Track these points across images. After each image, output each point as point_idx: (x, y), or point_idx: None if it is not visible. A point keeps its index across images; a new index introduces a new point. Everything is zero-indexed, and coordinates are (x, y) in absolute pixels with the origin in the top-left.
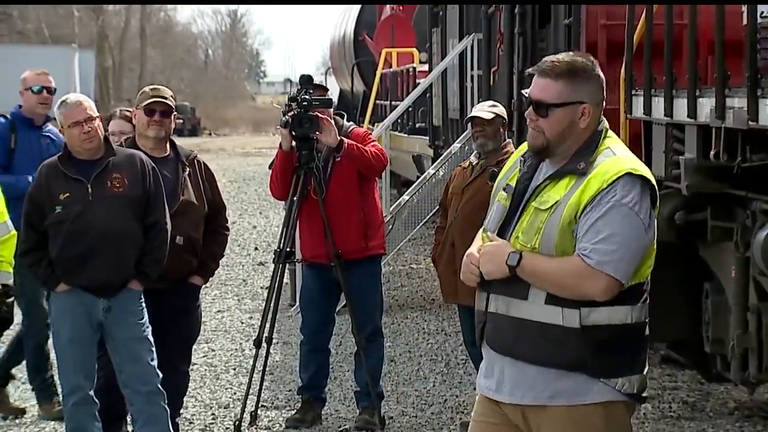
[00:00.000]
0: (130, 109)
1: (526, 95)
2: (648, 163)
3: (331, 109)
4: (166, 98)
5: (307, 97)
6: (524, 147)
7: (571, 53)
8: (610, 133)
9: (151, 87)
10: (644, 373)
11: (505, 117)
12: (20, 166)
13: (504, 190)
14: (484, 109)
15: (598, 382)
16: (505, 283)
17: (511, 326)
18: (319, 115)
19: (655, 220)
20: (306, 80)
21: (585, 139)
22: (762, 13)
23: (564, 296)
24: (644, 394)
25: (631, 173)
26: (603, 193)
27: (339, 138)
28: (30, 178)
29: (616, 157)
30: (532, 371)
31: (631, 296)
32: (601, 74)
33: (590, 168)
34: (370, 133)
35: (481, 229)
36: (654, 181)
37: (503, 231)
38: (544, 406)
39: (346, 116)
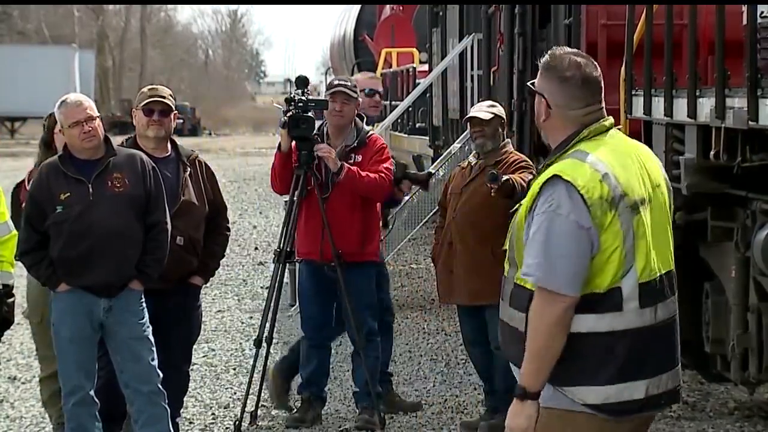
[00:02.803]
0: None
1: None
2: None
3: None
4: (164, 97)
5: (303, 98)
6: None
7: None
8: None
9: (149, 87)
10: (618, 384)
11: (504, 117)
12: None
13: None
14: (483, 110)
15: (555, 389)
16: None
17: (501, 329)
18: (320, 145)
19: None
20: (302, 82)
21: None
22: (762, 13)
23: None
24: (617, 407)
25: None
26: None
27: (340, 163)
28: None
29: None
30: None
31: (601, 304)
32: None
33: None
34: (386, 147)
35: None
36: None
37: None
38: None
39: (365, 119)
